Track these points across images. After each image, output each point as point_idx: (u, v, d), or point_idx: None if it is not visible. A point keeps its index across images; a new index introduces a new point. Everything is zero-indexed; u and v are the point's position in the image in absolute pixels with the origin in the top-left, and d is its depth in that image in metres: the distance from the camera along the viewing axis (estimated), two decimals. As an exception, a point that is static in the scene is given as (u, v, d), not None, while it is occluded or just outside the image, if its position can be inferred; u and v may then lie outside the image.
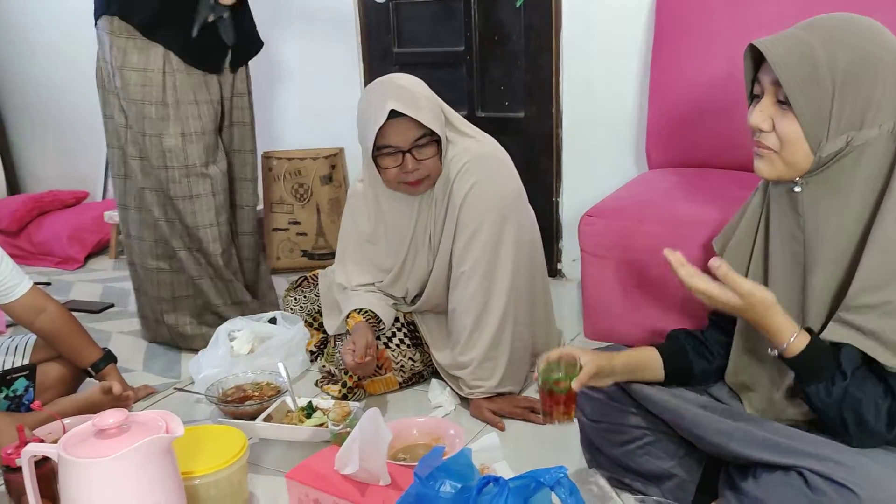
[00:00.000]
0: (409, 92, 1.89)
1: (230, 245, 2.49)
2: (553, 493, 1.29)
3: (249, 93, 2.52)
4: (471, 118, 2.90)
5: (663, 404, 1.49)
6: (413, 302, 2.17)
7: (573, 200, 2.88)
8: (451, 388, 2.09)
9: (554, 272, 2.99)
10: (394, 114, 1.87)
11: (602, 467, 1.64)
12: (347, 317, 2.11)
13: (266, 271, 2.70)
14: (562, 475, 1.29)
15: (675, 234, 1.90)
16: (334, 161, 3.12)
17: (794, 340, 1.28)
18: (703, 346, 1.54)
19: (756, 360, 1.46)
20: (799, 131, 1.27)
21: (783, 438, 1.32)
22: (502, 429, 1.94)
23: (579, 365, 1.44)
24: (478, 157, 2.00)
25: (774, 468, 1.29)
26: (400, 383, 2.18)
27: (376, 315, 2.10)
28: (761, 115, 1.30)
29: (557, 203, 2.96)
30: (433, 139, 1.92)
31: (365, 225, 2.14)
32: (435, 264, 2.05)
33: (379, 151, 1.94)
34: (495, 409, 1.99)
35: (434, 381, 2.13)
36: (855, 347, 1.27)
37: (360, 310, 2.10)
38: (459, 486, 1.33)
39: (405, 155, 1.91)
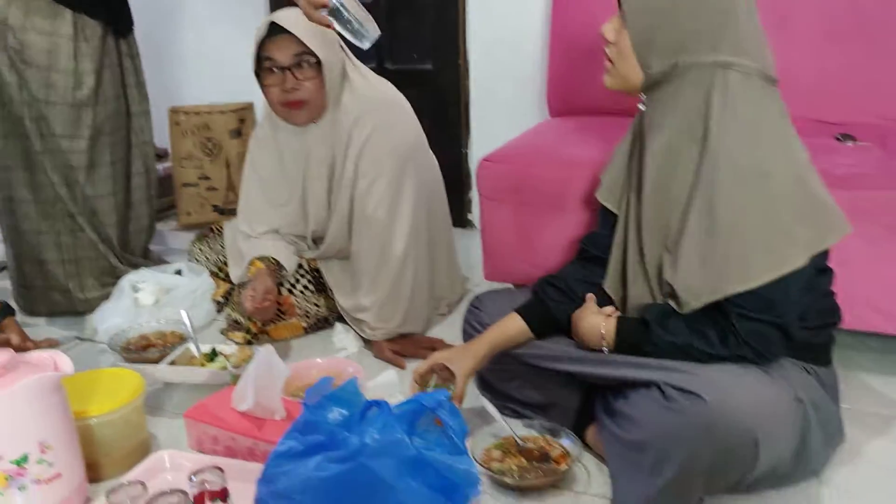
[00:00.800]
0: (297, 14, 1.88)
1: (126, 212, 2.50)
2: (436, 414, 1.35)
3: (139, 54, 2.53)
4: (380, 70, 2.91)
5: (527, 355, 1.59)
6: (317, 247, 2.20)
7: (481, 151, 2.89)
8: (355, 331, 2.13)
9: (464, 222, 3.04)
10: (277, 30, 1.93)
11: (498, 400, 1.72)
12: (249, 264, 2.12)
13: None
14: (443, 398, 1.36)
15: (566, 176, 1.96)
16: (243, 115, 3.09)
17: (605, 333, 1.45)
18: (564, 293, 1.61)
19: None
20: (630, 46, 1.36)
21: (644, 359, 1.42)
22: (402, 367, 2.00)
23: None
24: (376, 103, 2.03)
25: (638, 386, 1.38)
26: (305, 328, 2.21)
27: (278, 262, 2.12)
28: (609, 27, 1.42)
29: (466, 154, 3.01)
30: (315, 63, 1.96)
31: (264, 167, 2.16)
32: (335, 209, 2.08)
33: (260, 66, 1.99)
34: (397, 349, 2.04)
35: (338, 325, 2.16)
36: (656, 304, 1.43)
37: (262, 257, 2.11)
38: (347, 412, 1.38)
39: (285, 72, 1.96)
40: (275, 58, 1.96)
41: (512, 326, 1.60)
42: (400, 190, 2.03)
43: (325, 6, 1.63)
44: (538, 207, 1.99)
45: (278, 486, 1.29)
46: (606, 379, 1.46)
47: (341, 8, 1.62)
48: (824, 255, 1.43)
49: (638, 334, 1.43)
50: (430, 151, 2.24)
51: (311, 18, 1.67)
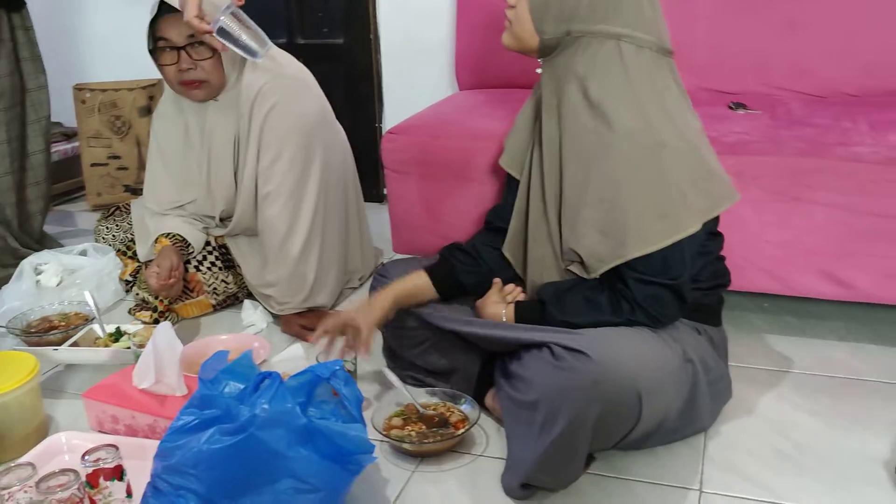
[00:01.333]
0: None
1: (23, 193, 2.43)
2: (331, 384, 1.36)
3: (33, 27, 2.46)
4: (290, 45, 2.90)
5: (432, 317, 1.62)
6: (224, 224, 2.18)
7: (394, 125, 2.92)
8: (264, 307, 2.12)
9: (380, 197, 3.05)
10: (169, 8, 1.89)
11: (401, 370, 1.74)
12: (155, 242, 2.09)
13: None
14: (337, 368, 1.37)
15: (470, 148, 1.98)
16: (152, 92, 3.03)
17: (506, 320, 1.53)
18: (473, 258, 1.65)
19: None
20: (527, 10, 1.39)
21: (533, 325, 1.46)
22: (310, 341, 1.99)
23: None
24: (277, 79, 2.01)
25: (531, 348, 1.41)
26: (214, 306, 2.19)
27: (184, 239, 2.09)
28: None
29: (379, 129, 3.00)
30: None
31: (169, 141, 2.12)
32: (241, 185, 2.06)
33: (156, 45, 1.96)
34: (305, 323, 2.04)
35: (247, 302, 2.15)
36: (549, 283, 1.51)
37: (168, 234, 2.09)
38: (242, 386, 1.38)
39: (180, 52, 1.93)
40: (168, 37, 1.93)
41: (417, 281, 1.64)
42: (304, 165, 2.02)
43: (208, 32, 1.74)
44: (443, 179, 2.01)
45: (172, 461, 1.28)
46: (502, 341, 1.49)
47: (227, 30, 1.73)
48: (715, 220, 1.49)
49: (535, 317, 1.49)
50: (339, 126, 2.23)
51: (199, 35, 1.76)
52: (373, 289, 1.75)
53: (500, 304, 1.57)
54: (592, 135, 1.40)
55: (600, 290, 1.43)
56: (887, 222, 1.75)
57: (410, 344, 1.70)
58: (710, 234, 1.50)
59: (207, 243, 2.17)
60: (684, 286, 1.42)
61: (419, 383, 1.71)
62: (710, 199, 1.42)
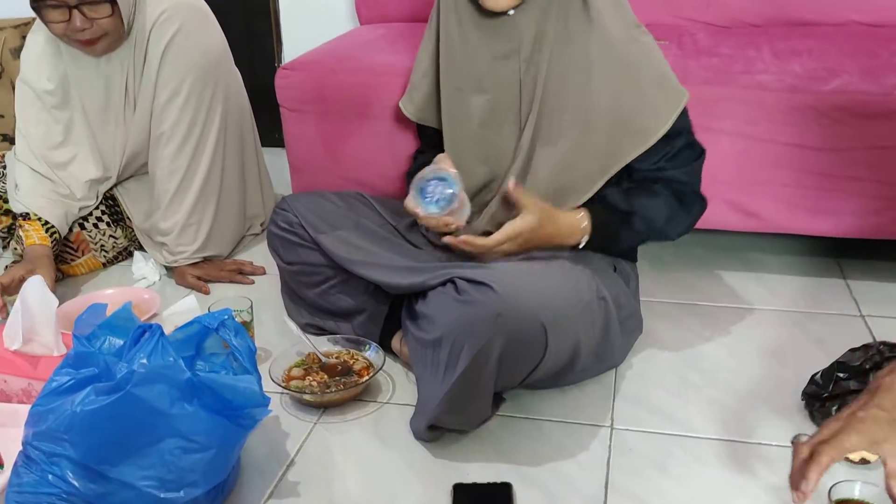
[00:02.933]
0: None
1: None
2: (219, 334, 1.27)
3: None
4: (178, -21, 2.68)
5: (337, 257, 1.52)
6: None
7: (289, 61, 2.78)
8: (155, 258, 1.99)
9: (280, 141, 2.88)
10: None
11: (302, 314, 1.65)
12: (21, 224, 1.90)
13: None
14: (226, 317, 1.27)
15: (370, 83, 1.88)
16: (26, 31, 2.79)
17: (584, 226, 1.43)
18: None
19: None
20: None
21: (445, 262, 1.39)
22: (206, 292, 1.89)
23: None
24: (177, 6, 1.83)
25: (437, 286, 1.34)
26: (104, 264, 2.05)
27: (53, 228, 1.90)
28: None
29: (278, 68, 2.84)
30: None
31: (45, 82, 1.90)
32: (134, 123, 1.89)
33: (37, 2, 1.72)
34: (200, 273, 1.93)
35: (137, 254, 2.01)
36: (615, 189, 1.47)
37: (35, 219, 1.89)
38: (121, 341, 1.27)
39: (72, 10, 1.69)
40: None
41: None
42: (203, 106, 1.88)
43: None
44: (342, 117, 1.90)
45: (43, 426, 1.17)
46: (412, 288, 1.41)
47: None
48: None
49: (613, 228, 1.46)
50: (237, 69, 2.08)
51: None
52: (273, 223, 1.64)
53: (570, 213, 1.44)
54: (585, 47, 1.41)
55: (658, 189, 1.48)
56: (791, 150, 1.73)
57: (312, 282, 1.61)
58: None
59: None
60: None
61: (320, 331, 1.63)
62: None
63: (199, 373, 1.18)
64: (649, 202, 1.45)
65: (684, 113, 1.47)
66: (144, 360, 1.14)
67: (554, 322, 1.24)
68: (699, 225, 1.82)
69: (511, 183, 1.39)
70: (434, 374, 1.31)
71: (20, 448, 1.20)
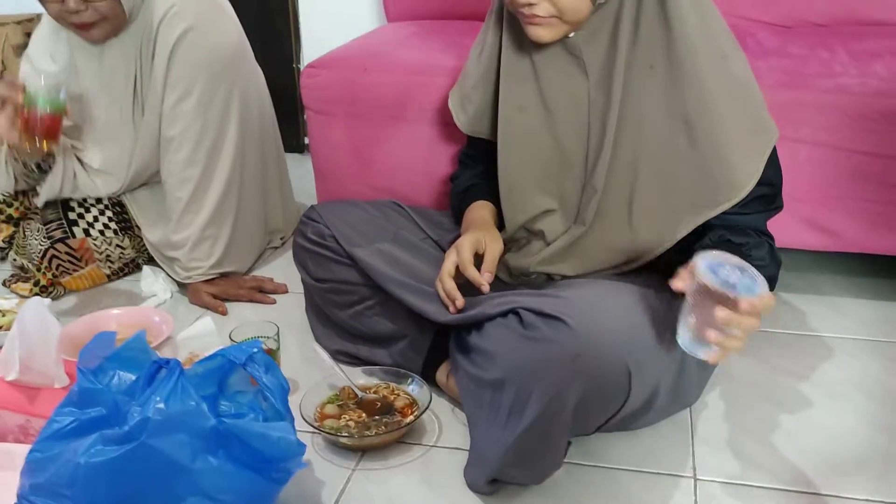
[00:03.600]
0: None
1: None
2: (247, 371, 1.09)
3: None
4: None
5: (377, 274, 1.34)
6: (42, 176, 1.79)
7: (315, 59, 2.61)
8: (167, 274, 1.82)
9: (301, 147, 2.74)
10: None
11: (332, 339, 1.48)
12: None
13: None
14: (255, 350, 1.10)
15: (404, 83, 1.71)
16: (29, 27, 2.63)
17: None
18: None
19: None
20: None
21: (501, 290, 1.22)
22: (223, 313, 1.71)
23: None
24: (188, 0, 1.67)
25: (495, 316, 1.17)
26: (109, 276, 1.87)
27: None
28: None
29: (297, 69, 2.68)
30: None
31: (48, 63, 1.72)
32: (143, 127, 1.72)
33: None
34: (216, 292, 1.75)
35: (146, 269, 1.84)
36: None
37: None
38: (133, 377, 1.09)
39: None
40: None
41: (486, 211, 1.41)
42: (220, 107, 1.70)
43: None
44: (374, 120, 1.73)
45: (42, 478, 1.00)
46: (464, 322, 1.24)
47: None
48: None
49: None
50: (258, 68, 1.91)
51: None
52: (300, 235, 1.47)
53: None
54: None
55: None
56: (874, 161, 1.56)
57: (346, 302, 1.43)
58: None
59: (98, 201, 1.83)
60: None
61: (353, 360, 1.45)
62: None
63: (226, 419, 1.01)
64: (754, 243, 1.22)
65: (774, 156, 1.24)
66: (162, 405, 0.96)
67: (640, 362, 1.06)
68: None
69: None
70: (493, 420, 1.13)
71: (15, 498, 1.03)
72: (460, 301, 1.23)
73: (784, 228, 1.63)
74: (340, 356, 1.46)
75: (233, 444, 0.99)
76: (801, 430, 1.29)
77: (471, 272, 1.21)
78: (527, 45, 1.27)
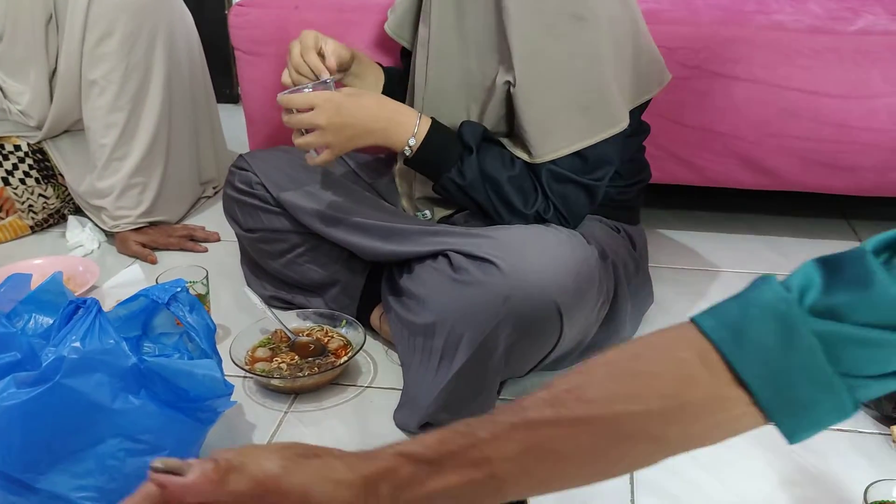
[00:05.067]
0: None
1: None
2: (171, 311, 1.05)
3: None
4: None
5: (305, 214, 1.30)
6: (37, 128, 1.75)
7: None
8: (94, 223, 1.75)
9: (235, 97, 2.65)
10: None
11: (265, 287, 1.44)
12: None
13: None
14: (178, 289, 1.06)
15: (337, 20, 1.65)
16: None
17: (418, 129, 1.16)
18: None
19: None
20: None
21: (431, 225, 1.20)
22: (153, 262, 1.66)
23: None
24: None
25: (425, 258, 1.14)
26: (32, 227, 1.79)
27: None
28: None
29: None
30: None
31: None
32: (60, 67, 1.64)
33: None
34: (145, 241, 1.70)
35: (72, 218, 1.77)
36: (474, 122, 1.19)
37: None
38: (50, 320, 1.05)
39: None
40: None
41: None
42: (143, 47, 1.63)
43: None
44: (307, 61, 1.67)
45: (-48, 425, 0.95)
46: (392, 256, 1.21)
47: None
48: (642, 107, 1.25)
49: (450, 151, 1.17)
50: (187, 11, 1.83)
51: None
52: (229, 185, 1.43)
53: (401, 108, 1.18)
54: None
55: (520, 167, 1.17)
56: (808, 98, 1.56)
57: (277, 251, 1.39)
58: (635, 125, 1.25)
59: (17, 148, 1.75)
60: (601, 187, 1.18)
61: (288, 305, 1.42)
62: (640, 85, 1.20)
63: (147, 357, 0.97)
64: (501, 161, 1.17)
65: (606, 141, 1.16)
66: (78, 344, 0.92)
67: (570, 302, 1.05)
68: (708, 183, 1.66)
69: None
70: (426, 364, 1.12)
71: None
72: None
73: (722, 168, 1.64)
74: (275, 301, 1.42)
75: (155, 383, 0.96)
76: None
77: (312, 57, 1.18)
78: None
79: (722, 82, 1.56)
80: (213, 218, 1.83)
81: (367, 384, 1.27)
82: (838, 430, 1.15)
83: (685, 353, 0.58)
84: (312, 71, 1.19)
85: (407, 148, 1.16)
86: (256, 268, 1.46)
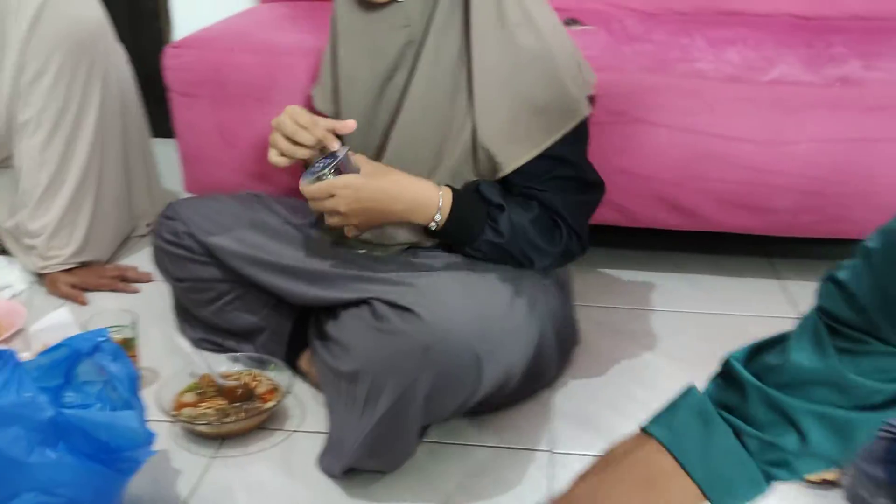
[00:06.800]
0: None
1: None
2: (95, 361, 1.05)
3: None
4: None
5: (231, 258, 1.32)
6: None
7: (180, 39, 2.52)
8: (22, 265, 1.73)
9: (169, 132, 2.64)
10: None
11: (196, 331, 1.45)
12: None
13: None
14: (102, 339, 1.06)
15: (272, 63, 1.68)
16: None
17: (442, 202, 1.19)
18: None
19: None
20: None
21: (356, 271, 1.21)
22: (83, 303, 1.65)
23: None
24: None
25: (349, 305, 1.17)
26: (-42, 266, 1.77)
27: None
28: None
29: (169, 51, 2.59)
30: None
31: None
32: None
33: None
34: (76, 282, 1.68)
35: (0, 258, 1.74)
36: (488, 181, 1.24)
37: None
38: (-33, 371, 1.04)
39: None
40: None
41: None
42: (76, 86, 1.63)
43: None
44: (240, 102, 1.69)
45: None
46: (319, 301, 1.23)
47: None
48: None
49: (478, 215, 1.21)
50: (120, 48, 1.83)
51: None
52: (158, 237, 1.42)
53: (423, 180, 1.21)
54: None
55: (532, 205, 1.23)
56: (727, 143, 1.63)
57: (206, 300, 1.40)
58: None
59: (-59, 185, 1.73)
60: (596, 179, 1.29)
61: (218, 348, 1.42)
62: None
63: (66, 409, 0.97)
64: (521, 208, 1.22)
65: (579, 140, 1.26)
66: (-8, 398, 0.91)
67: (490, 352, 1.07)
68: (629, 222, 1.72)
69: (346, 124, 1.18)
70: (350, 409, 1.13)
71: None
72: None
73: (647, 209, 1.70)
74: (206, 344, 1.43)
75: (74, 435, 0.95)
76: (657, 401, 1.34)
77: (320, 130, 1.15)
78: (352, 19, 1.27)
79: (645, 127, 1.62)
80: (145, 258, 1.82)
81: (294, 428, 1.28)
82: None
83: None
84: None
85: (433, 223, 1.20)
86: (188, 313, 1.46)
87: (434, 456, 1.21)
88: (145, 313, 1.49)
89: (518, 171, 1.22)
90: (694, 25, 1.95)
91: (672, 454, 0.75)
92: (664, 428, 0.78)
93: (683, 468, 0.73)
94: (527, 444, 1.24)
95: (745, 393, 0.73)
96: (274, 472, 1.18)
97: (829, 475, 1.15)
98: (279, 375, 1.32)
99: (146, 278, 1.74)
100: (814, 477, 1.15)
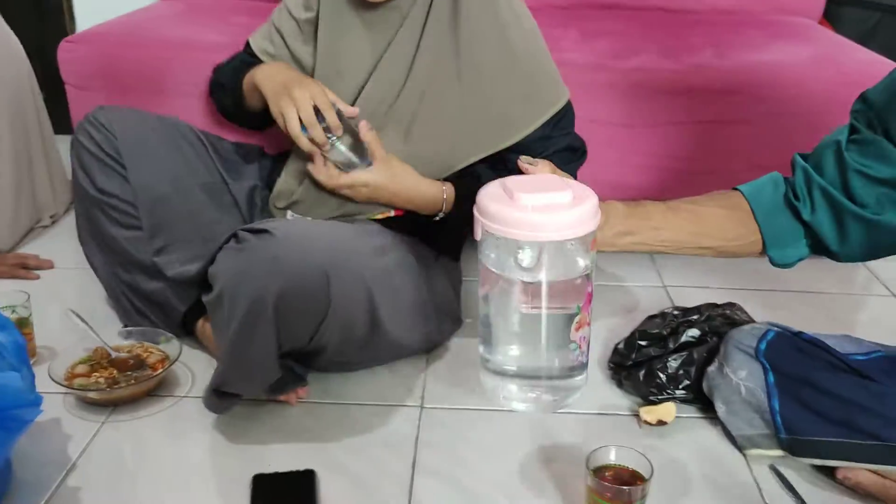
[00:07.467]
0: None
1: None
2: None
3: None
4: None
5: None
6: None
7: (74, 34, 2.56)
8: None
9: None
10: None
11: (110, 265, 1.48)
12: None
13: None
14: (-10, 311, 1.13)
15: (165, 57, 1.76)
16: None
17: (446, 199, 1.40)
18: None
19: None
20: None
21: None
22: (-16, 288, 1.70)
23: None
24: None
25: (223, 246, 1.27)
26: None
27: None
28: None
29: (75, 49, 2.62)
30: None
31: None
32: None
33: None
34: (-24, 270, 1.73)
35: None
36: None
37: None
38: None
39: None
40: None
41: None
42: None
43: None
44: (135, 95, 1.77)
45: None
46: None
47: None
48: None
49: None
50: (10, 31, 1.88)
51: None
52: (85, 135, 1.43)
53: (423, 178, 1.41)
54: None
55: None
56: (592, 127, 1.77)
57: (126, 224, 1.41)
58: None
59: None
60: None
61: (134, 293, 1.46)
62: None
63: (-48, 374, 1.04)
64: None
65: (567, 112, 1.45)
66: None
67: (336, 267, 1.16)
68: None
69: (364, 125, 1.36)
70: (220, 335, 1.23)
71: None
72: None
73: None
74: (122, 286, 1.46)
75: (-42, 396, 1.03)
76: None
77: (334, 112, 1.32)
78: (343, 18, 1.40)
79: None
80: (46, 246, 1.88)
81: (183, 394, 1.36)
82: (598, 413, 1.33)
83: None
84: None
85: (438, 215, 1.43)
86: (100, 242, 1.45)
87: (312, 413, 1.31)
88: (44, 296, 1.56)
89: (514, 149, 1.39)
90: (569, 19, 2.10)
91: (748, 201, 1.19)
92: (748, 187, 1.21)
93: (753, 214, 1.19)
94: (400, 401, 1.35)
95: (794, 169, 1.19)
96: (162, 435, 1.27)
97: (666, 416, 1.29)
98: (169, 346, 1.40)
99: (47, 265, 1.79)
100: (650, 418, 1.30)
